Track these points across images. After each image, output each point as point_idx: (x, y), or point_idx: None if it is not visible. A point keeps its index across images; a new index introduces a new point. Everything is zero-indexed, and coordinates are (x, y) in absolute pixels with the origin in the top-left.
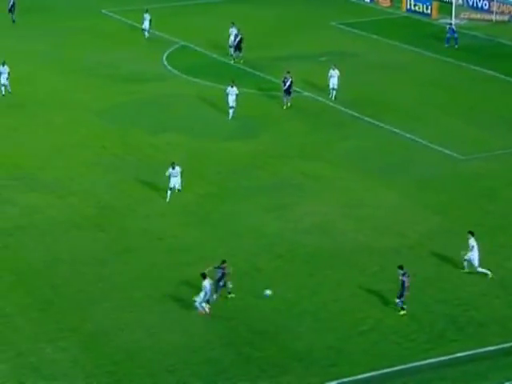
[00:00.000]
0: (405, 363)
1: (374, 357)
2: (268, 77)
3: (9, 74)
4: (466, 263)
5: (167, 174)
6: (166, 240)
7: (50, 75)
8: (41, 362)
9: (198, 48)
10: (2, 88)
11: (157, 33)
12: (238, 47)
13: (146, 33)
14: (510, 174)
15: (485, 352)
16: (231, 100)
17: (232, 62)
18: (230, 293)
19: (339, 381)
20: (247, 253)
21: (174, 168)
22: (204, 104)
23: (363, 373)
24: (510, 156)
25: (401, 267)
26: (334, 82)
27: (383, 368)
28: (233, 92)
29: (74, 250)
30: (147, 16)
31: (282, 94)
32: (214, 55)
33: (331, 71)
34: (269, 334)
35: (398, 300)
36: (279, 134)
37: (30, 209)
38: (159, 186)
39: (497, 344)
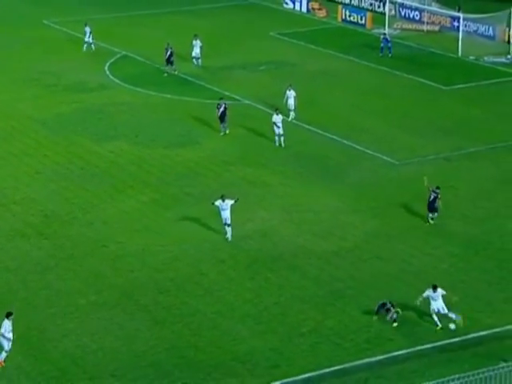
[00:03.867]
0: (343, 363)
1: (315, 357)
2: (208, 85)
3: None
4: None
5: (216, 203)
6: (109, 247)
7: None
8: None
9: (139, 58)
10: None
11: (99, 43)
12: (169, 61)
13: (92, 46)
14: (441, 178)
15: (420, 350)
16: (277, 129)
17: (165, 75)
18: None
19: (281, 381)
20: (191, 258)
21: (223, 200)
22: (147, 112)
23: (304, 373)
24: (441, 161)
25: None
26: (290, 102)
27: (323, 368)
28: (278, 119)
29: (18, 258)
30: (88, 29)
31: (216, 120)
32: (156, 65)
33: (287, 92)
34: (212, 337)
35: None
36: (221, 141)
37: None
38: (102, 194)
39: (431, 342)
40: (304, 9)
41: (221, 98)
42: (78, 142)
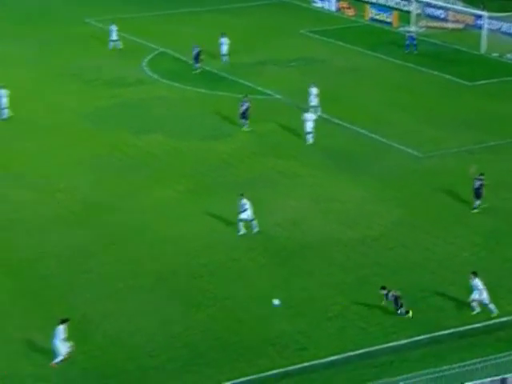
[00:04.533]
0: (369, 346)
1: (341, 341)
2: (241, 81)
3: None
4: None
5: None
6: (147, 234)
7: (38, 80)
8: (31, 348)
9: (176, 54)
10: None
11: (137, 40)
12: (197, 59)
13: (119, 43)
14: (464, 170)
15: (442, 335)
16: (309, 126)
17: (196, 72)
18: None
19: (308, 363)
20: (223, 245)
21: (241, 199)
22: (182, 106)
23: (330, 356)
24: (464, 154)
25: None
26: (313, 99)
27: (349, 351)
28: (309, 117)
29: (60, 244)
30: (113, 27)
31: (238, 117)
32: (191, 61)
33: (310, 89)
34: (244, 320)
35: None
36: (252, 134)
37: (20, 205)
38: (140, 184)
39: (454, 327)
40: (333, 8)
41: (245, 96)
42: (118, 134)
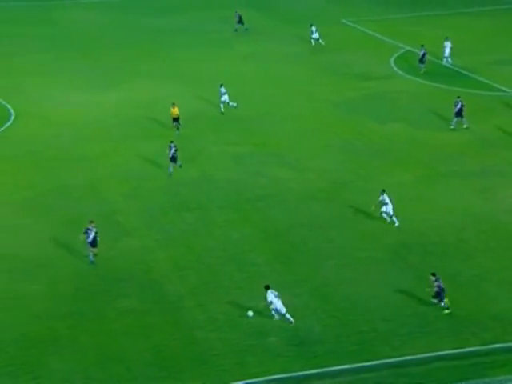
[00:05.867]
0: None
1: None
2: (480, 78)
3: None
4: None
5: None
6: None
7: (296, 72)
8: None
9: (421, 53)
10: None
11: (386, 39)
12: (422, 60)
13: (320, 41)
14: None
15: None
16: None
17: (422, 71)
18: None
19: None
20: (454, 226)
21: (383, 194)
22: (423, 100)
23: None
24: None
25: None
26: None
27: None
28: None
29: (309, 216)
30: (314, 28)
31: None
32: (434, 59)
33: None
34: (471, 296)
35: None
36: (484, 126)
37: (276, 180)
38: (381, 167)
39: None
40: None
41: (458, 97)
42: (363, 122)
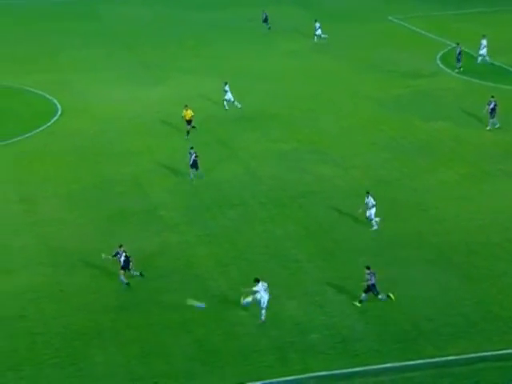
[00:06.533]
0: None
1: None
2: None
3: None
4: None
5: None
6: (429, 211)
7: (341, 69)
8: (323, 300)
9: (467, 50)
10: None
11: (432, 36)
12: (458, 59)
13: (322, 36)
14: None
15: None
16: None
17: (456, 71)
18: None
19: None
20: (501, 226)
21: (367, 197)
22: (469, 97)
23: None
24: None
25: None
26: None
27: None
28: None
29: (353, 213)
30: (317, 24)
31: (486, 114)
32: (476, 56)
33: None
34: None
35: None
36: None
37: (320, 177)
38: (426, 165)
39: None
40: None
41: (492, 96)
42: (409, 119)
